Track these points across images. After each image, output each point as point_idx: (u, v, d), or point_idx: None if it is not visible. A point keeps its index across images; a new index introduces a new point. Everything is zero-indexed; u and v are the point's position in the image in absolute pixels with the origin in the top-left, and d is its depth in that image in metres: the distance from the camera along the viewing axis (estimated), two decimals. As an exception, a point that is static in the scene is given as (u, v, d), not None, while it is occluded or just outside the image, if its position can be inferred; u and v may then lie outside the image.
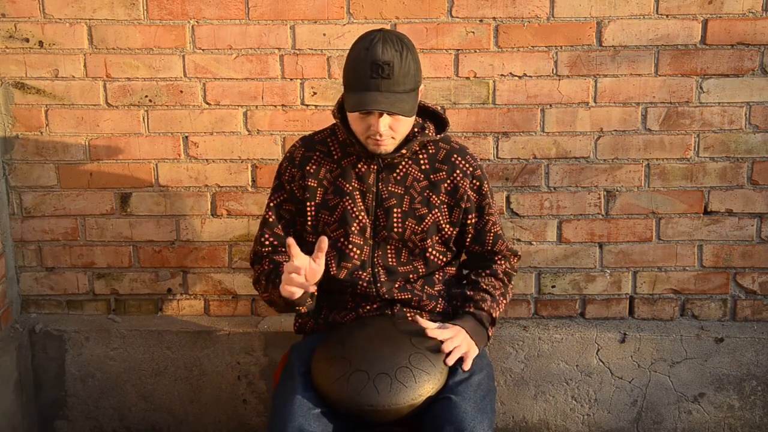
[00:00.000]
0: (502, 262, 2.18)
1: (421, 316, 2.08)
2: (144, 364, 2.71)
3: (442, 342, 1.94)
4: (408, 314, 2.08)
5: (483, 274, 2.14)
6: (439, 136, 2.06)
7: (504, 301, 2.13)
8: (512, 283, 2.21)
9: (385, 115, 1.89)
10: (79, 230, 2.69)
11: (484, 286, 2.11)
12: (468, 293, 2.11)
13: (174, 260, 2.71)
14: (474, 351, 1.98)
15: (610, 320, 2.72)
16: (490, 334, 2.07)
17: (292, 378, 1.94)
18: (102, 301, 2.76)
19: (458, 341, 1.95)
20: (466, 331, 1.99)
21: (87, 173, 2.65)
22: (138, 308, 2.76)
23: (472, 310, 2.06)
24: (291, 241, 1.80)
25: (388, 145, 1.96)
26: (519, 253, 2.24)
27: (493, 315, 2.08)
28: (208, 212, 2.67)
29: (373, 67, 1.84)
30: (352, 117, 1.95)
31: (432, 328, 1.96)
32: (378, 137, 1.93)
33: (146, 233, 2.69)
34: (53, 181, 2.65)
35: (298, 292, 1.87)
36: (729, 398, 2.68)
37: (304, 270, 1.82)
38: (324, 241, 1.82)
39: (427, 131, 2.04)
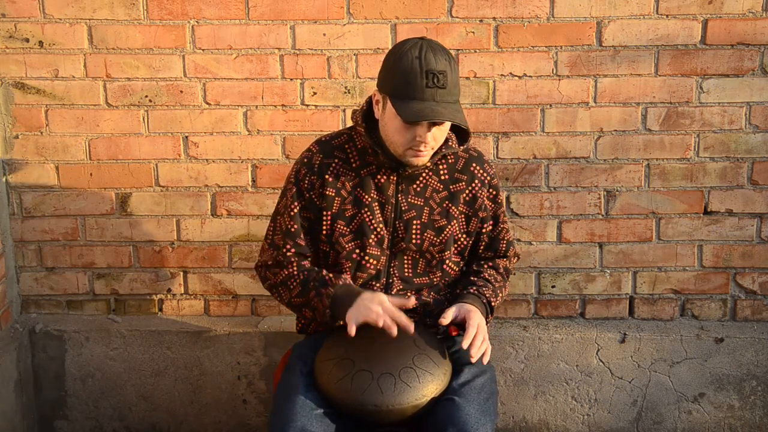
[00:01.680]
0: (504, 260, 2.18)
1: (424, 320, 2.07)
2: (144, 364, 2.71)
3: (447, 340, 1.93)
4: (412, 318, 2.07)
5: (485, 266, 2.14)
6: (461, 147, 2.04)
7: (501, 295, 2.12)
8: (509, 280, 2.21)
9: (433, 125, 1.87)
10: (79, 230, 2.69)
11: (487, 276, 2.10)
12: (471, 278, 2.09)
13: (174, 260, 2.71)
14: (485, 330, 1.95)
15: (610, 320, 2.72)
16: (489, 320, 2.04)
17: (294, 378, 1.93)
18: (102, 301, 2.76)
19: (483, 328, 1.92)
20: (478, 310, 1.96)
21: (87, 173, 2.65)
22: (138, 308, 2.76)
23: (476, 292, 2.04)
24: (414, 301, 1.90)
25: (427, 156, 1.94)
26: (519, 255, 2.24)
27: (492, 304, 2.05)
28: (208, 212, 2.67)
29: (429, 76, 1.81)
30: (395, 127, 1.90)
31: (449, 319, 1.93)
32: (422, 147, 1.90)
33: (146, 233, 2.69)
34: (53, 181, 2.65)
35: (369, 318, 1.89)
36: (729, 398, 2.68)
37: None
38: (411, 301, 1.92)
39: (450, 142, 2.02)
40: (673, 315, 2.72)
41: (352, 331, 1.85)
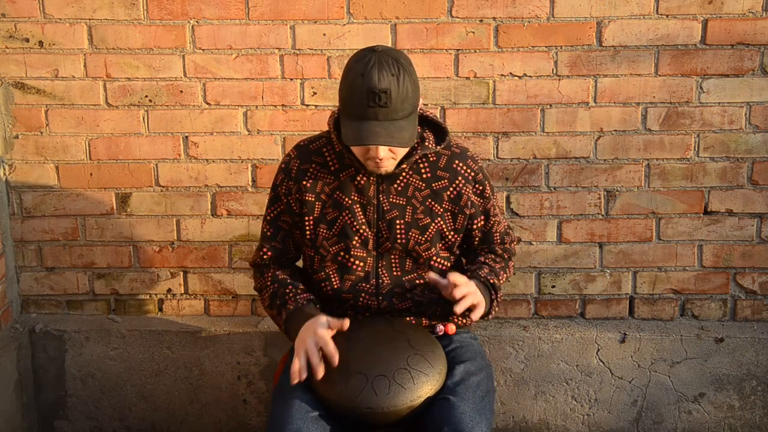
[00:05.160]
0: (502, 245, 2.17)
1: (420, 321, 2.07)
2: (144, 364, 2.71)
3: (442, 339, 1.94)
4: (407, 318, 2.08)
5: (482, 252, 2.14)
6: (439, 147, 2.02)
7: (504, 275, 2.11)
8: (512, 261, 2.19)
9: None
10: (79, 230, 2.69)
11: (483, 260, 2.10)
12: (466, 266, 2.10)
13: (174, 260, 2.71)
14: (483, 304, 1.93)
15: (610, 320, 2.72)
16: (493, 297, 2.02)
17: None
18: (102, 301, 2.76)
19: (471, 288, 1.90)
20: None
21: (87, 173, 2.65)
22: (138, 308, 2.76)
23: (468, 275, 2.01)
24: (347, 323, 1.85)
25: (388, 166, 1.93)
26: (517, 238, 2.21)
27: (491, 281, 2.03)
28: (208, 212, 2.68)
29: (370, 96, 1.78)
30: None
31: (444, 279, 1.91)
32: (378, 161, 1.90)
33: (146, 233, 2.69)
34: (53, 181, 2.65)
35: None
36: (729, 398, 2.68)
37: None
38: (346, 323, 1.85)
39: (426, 142, 2.00)
40: (673, 315, 2.72)
41: (295, 366, 1.85)
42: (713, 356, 2.65)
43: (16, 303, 2.74)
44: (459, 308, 1.86)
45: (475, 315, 1.91)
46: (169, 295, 2.75)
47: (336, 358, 1.83)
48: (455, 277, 1.89)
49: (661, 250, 2.66)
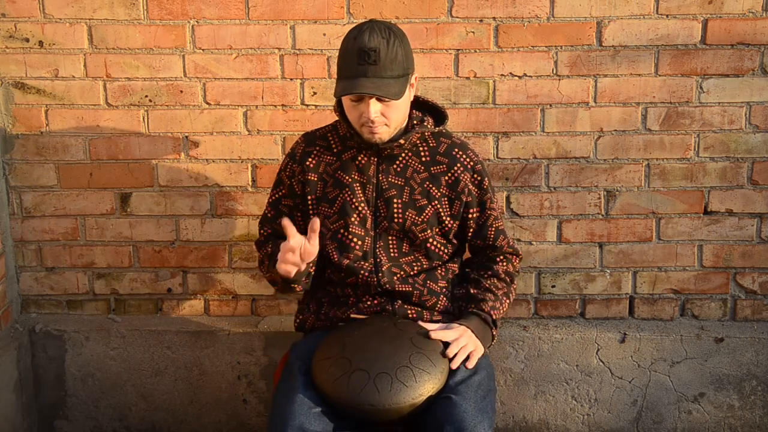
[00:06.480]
0: (504, 263, 2.18)
1: (422, 315, 2.08)
2: (144, 364, 2.71)
3: (443, 341, 1.95)
4: (409, 311, 2.08)
5: (485, 275, 2.15)
6: (438, 128, 2.08)
7: (507, 301, 2.14)
8: (515, 283, 2.21)
9: (375, 100, 1.91)
10: (79, 230, 2.69)
11: (487, 286, 2.12)
12: (471, 292, 2.12)
13: (174, 260, 2.71)
14: (480, 350, 1.99)
15: (610, 320, 2.72)
16: (494, 333, 2.08)
17: (292, 377, 1.94)
18: (102, 301, 2.76)
19: (464, 341, 1.97)
20: (472, 330, 2.00)
21: (87, 173, 2.65)
22: (138, 308, 2.76)
23: (474, 309, 2.07)
24: (286, 221, 1.87)
25: (382, 133, 1.98)
26: (521, 253, 2.24)
27: (494, 316, 2.08)
28: (208, 212, 2.68)
29: (360, 54, 1.87)
30: (347, 106, 1.98)
31: (435, 330, 1.98)
32: (371, 124, 1.95)
33: (146, 233, 2.69)
34: (53, 181, 2.65)
35: (293, 270, 1.94)
36: (729, 398, 2.68)
37: (299, 249, 1.89)
38: (316, 222, 1.89)
39: (426, 124, 2.07)
40: (673, 315, 2.72)
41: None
42: (713, 356, 2.65)
43: (16, 303, 2.74)
44: (454, 364, 1.93)
45: (470, 363, 1.96)
46: (169, 295, 2.75)
47: (297, 249, 1.89)
48: (448, 334, 1.97)
49: (661, 250, 2.66)
